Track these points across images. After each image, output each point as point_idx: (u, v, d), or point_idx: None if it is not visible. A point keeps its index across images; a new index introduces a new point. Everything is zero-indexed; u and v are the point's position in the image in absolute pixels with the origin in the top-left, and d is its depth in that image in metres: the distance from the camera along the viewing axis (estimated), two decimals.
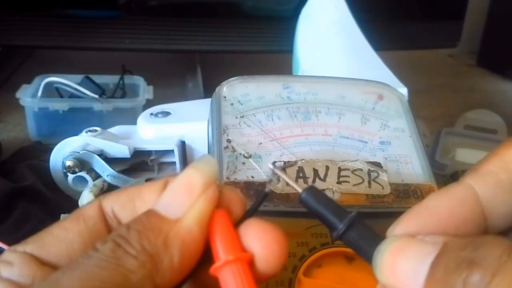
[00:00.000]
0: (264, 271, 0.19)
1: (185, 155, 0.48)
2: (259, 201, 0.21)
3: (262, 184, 0.29)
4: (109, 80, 0.65)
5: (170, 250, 0.18)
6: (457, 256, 0.16)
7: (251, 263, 0.19)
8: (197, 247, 0.19)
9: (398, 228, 0.19)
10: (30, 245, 0.19)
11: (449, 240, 0.17)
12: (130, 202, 0.21)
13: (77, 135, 0.46)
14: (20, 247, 0.19)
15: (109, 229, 0.20)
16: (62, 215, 0.37)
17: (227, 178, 0.29)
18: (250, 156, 0.30)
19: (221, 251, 0.19)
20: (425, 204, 0.19)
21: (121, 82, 0.64)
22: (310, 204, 0.21)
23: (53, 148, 0.45)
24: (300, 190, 0.22)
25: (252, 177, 0.29)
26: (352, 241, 0.20)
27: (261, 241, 0.19)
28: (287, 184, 0.29)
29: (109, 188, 0.45)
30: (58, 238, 0.19)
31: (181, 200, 0.19)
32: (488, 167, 0.19)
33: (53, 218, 0.39)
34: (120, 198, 0.21)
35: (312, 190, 0.22)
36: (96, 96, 0.60)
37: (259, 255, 0.19)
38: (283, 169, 0.29)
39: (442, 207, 0.19)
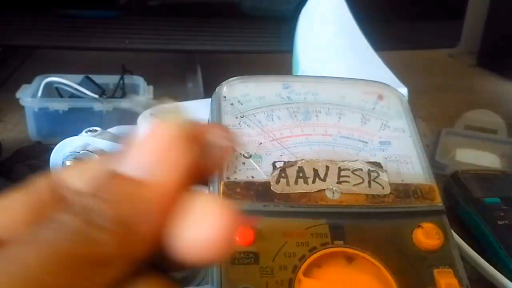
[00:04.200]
0: None
1: None
2: None
3: (262, 184, 0.29)
4: (109, 80, 0.65)
5: (147, 217, 0.16)
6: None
7: None
8: (171, 207, 0.16)
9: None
10: None
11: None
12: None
13: (77, 135, 0.46)
14: None
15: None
16: None
17: (227, 178, 0.29)
18: (250, 156, 0.30)
19: None
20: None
21: (121, 82, 0.64)
22: None
23: (53, 148, 0.45)
24: None
25: (252, 177, 0.29)
26: None
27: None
28: (288, 183, 0.29)
29: None
30: None
31: (152, 158, 0.16)
32: None
33: None
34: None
35: None
36: (96, 96, 0.60)
37: None
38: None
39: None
